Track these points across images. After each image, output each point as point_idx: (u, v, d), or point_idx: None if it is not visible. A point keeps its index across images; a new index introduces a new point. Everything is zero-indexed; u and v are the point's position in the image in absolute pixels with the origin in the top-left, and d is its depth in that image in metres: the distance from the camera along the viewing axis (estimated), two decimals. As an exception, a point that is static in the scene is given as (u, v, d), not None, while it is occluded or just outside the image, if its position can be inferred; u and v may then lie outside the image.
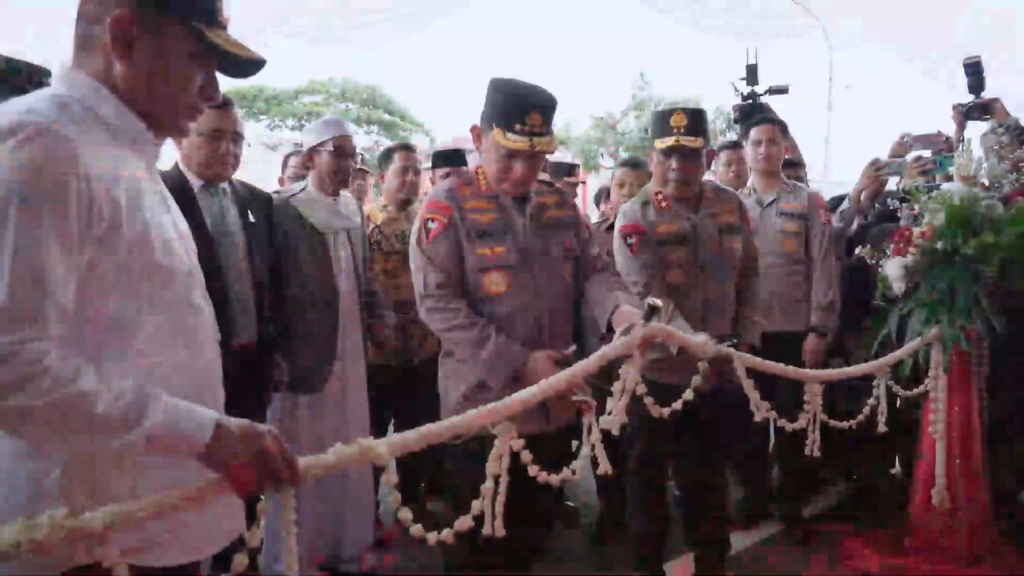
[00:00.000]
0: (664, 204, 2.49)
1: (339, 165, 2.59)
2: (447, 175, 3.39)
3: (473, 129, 1.98)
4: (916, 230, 2.72)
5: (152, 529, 1.03)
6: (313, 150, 2.62)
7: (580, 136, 20.32)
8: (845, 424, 2.30)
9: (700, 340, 1.95)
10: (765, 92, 3.95)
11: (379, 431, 3.05)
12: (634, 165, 3.30)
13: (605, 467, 1.69)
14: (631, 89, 20.32)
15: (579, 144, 19.79)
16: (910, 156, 3.41)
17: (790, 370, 2.17)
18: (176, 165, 2.27)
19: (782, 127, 3.30)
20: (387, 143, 27.21)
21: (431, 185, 3.39)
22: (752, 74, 3.95)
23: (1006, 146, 2.82)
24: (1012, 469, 3.05)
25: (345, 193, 2.76)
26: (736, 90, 3.99)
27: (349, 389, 2.65)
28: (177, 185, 2.15)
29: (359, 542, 2.76)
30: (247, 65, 1.16)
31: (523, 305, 1.93)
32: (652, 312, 1.73)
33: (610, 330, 1.88)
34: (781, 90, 3.97)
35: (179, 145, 2.23)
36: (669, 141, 2.40)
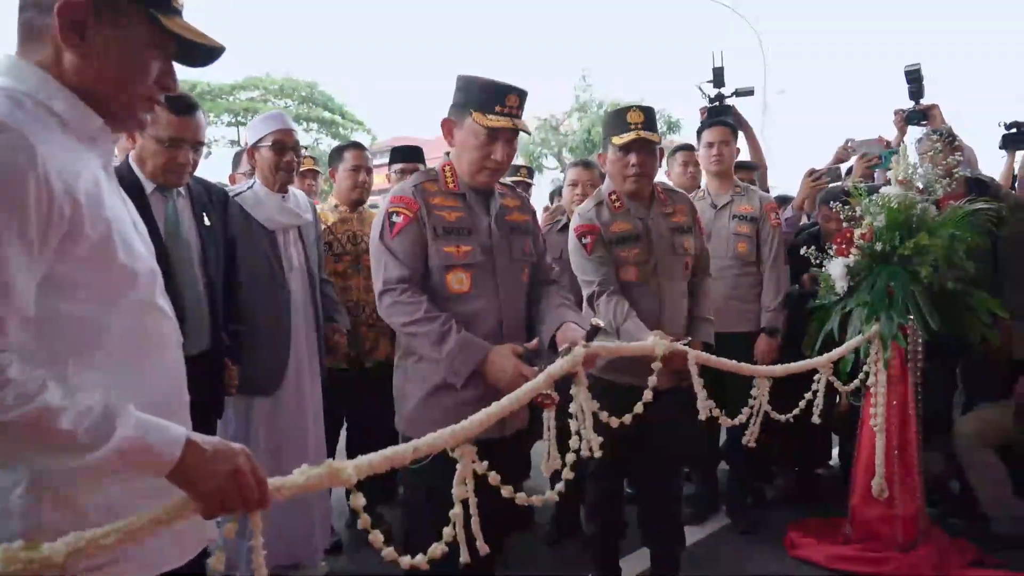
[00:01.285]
0: (618, 204, 2.53)
1: (281, 160, 2.52)
2: (403, 171, 3.36)
3: (444, 123, 1.95)
4: (857, 231, 2.85)
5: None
6: (254, 146, 2.55)
7: (523, 137, 20.43)
8: (783, 417, 2.37)
9: (648, 343, 2.01)
10: (732, 94, 4.02)
11: (331, 435, 3.00)
12: (586, 165, 3.34)
13: (555, 464, 1.72)
14: (574, 91, 20.57)
15: (523, 146, 19.89)
16: (856, 155, 3.58)
17: (743, 367, 2.24)
18: (127, 162, 2.14)
19: (734, 129, 3.39)
20: (328, 141, 26.79)
21: (388, 182, 3.34)
22: (719, 77, 4.00)
23: (939, 152, 2.97)
24: (943, 458, 3.22)
25: (295, 189, 2.69)
26: (703, 93, 4.04)
27: (305, 391, 2.60)
28: (129, 184, 2.04)
29: (317, 547, 2.72)
30: (206, 53, 1.11)
31: (486, 305, 1.92)
32: (595, 332, 1.76)
33: (553, 347, 1.90)
34: (747, 92, 4.02)
35: (132, 144, 2.11)
36: (629, 136, 2.42)
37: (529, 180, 3.67)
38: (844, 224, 2.88)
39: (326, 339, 2.73)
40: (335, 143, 24.45)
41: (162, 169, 2.09)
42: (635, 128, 2.42)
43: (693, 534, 3.13)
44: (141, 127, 1.16)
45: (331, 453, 2.89)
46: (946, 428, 3.21)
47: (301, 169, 3.87)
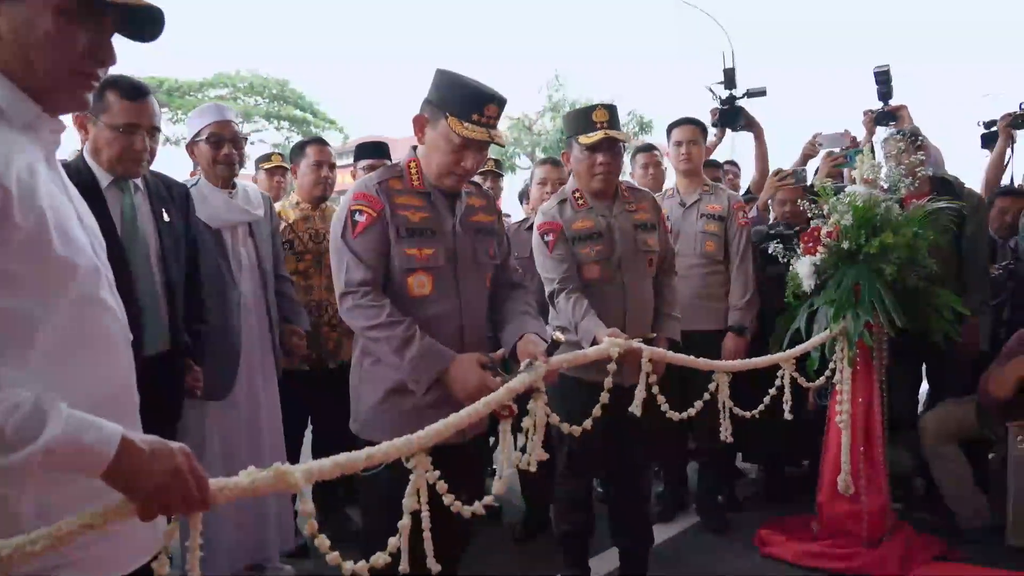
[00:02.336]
0: (581, 202, 2.52)
1: (219, 154, 2.43)
2: (370, 168, 3.29)
3: (417, 119, 1.87)
4: (824, 229, 2.86)
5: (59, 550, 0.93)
6: (192, 142, 2.46)
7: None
8: (748, 413, 2.37)
9: (604, 345, 2.01)
10: (743, 95, 3.95)
11: (295, 439, 2.94)
12: (554, 163, 3.31)
13: (514, 463, 1.73)
14: (546, 91, 20.63)
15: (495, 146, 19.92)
16: (821, 153, 3.60)
17: (699, 362, 2.24)
18: (80, 156, 2.05)
19: (703, 128, 3.39)
20: (298, 139, 26.44)
21: (352, 179, 3.28)
22: (730, 78, 3.93)
23: (903, 152, 3.01)
24: (908, 455, 3.26)
25: (246, 184, 2.60)
26: (714, 94, 3.97)
27: (259, 396, 2.52)
28: (82, 179, 1.94)
29: (272, 549, 2.66)
30: (142, 20, 1.05)
31: (447, 309, 1.87)
32: (555, 347, 1.76)
33: (514, 356, 1.87)
34: (759, 92, 3.95)
35: (85, 136, 2.02)
36: (596, 135, 2.41)
37: (498, 171, 3.61)
38: (811, 222, 2.90)
39: (283, 342, 2.66)
40: (306, 141, 24.28)
41: (118, 157, 2.00)
42: (601, 127, 2.41)
43: (662, 532, 3.12)
44: (82, 106, 1.10)
45: (293, 456, 2.82)
46: (911, 424, 3.25)
47: (269, 166, 3.80)
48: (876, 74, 3.75)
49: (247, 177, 3.39)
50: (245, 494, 1.09)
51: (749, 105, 3.95)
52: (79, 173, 1.98)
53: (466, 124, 1.76)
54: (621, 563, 2.67)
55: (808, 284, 2.84)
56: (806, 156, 3.76)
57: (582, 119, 2.48)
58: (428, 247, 1.84)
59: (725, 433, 2.28)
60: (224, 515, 2.41)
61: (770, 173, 3.64)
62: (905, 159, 2.94)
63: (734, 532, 3.18)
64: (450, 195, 1.93)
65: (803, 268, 2.83)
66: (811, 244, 2.83)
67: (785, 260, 2.95)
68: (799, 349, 2.63)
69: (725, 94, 3.95)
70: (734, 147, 4.25)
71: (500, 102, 1.80)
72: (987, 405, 2.92)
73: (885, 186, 2.94)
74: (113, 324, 1.11)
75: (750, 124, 3.95)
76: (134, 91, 1.97)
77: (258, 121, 23.76)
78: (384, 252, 1.82)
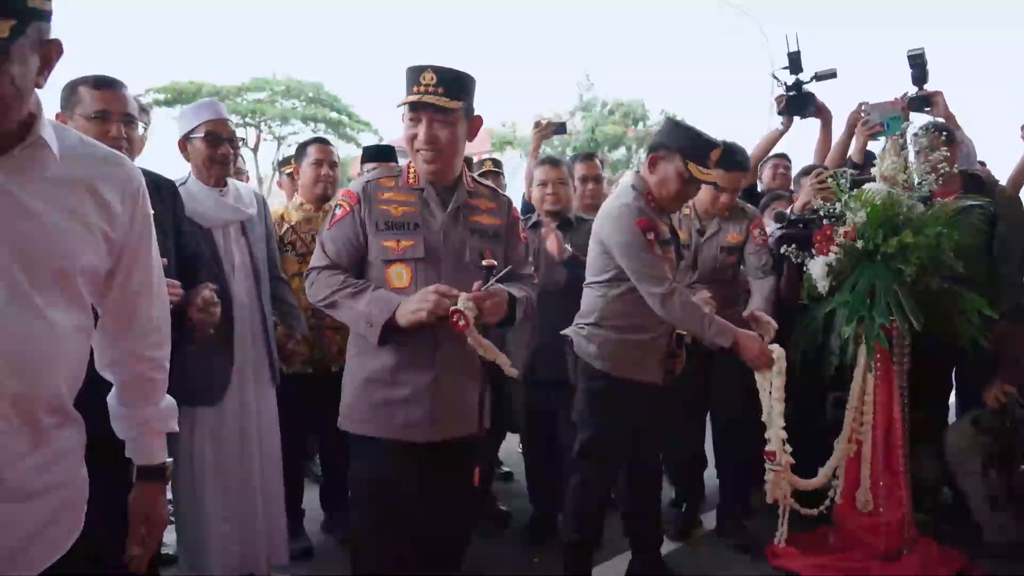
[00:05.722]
0: (653, 205, 2.47)
1: (215, 153, 2.37)
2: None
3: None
4: (840, 229, 2.74)
5: None
6: (185, 138, 2.40)
7: (526, 136, 20.37)
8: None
9: (776, 356, 2.46)
10: (811, 79, 3.65)
11: (296, 444, 2.92)
12: (553, 163, 3.16)
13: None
14: (577, 90, 20.50)
15: (526, 144, 19.85)
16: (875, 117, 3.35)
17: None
18: None
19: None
20: (335, 141, 26.80)
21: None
22: (795, 62, 3.62)
23: (925, 147, 2.86)
24: (934, 465, 3.11)
25: (236, 182, 2.55)
26: (778, 80, 3.71)
27: (254, 402, 2.46)
28: None
29: (272, 558, 2.60)
30: None
31: None
32: (488, 271, 1.82)
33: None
34: (829, 75, 3.64)
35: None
36: (713, 174, 2.47)
37: (497, 169, 3.55)
38: (825, 221, 2.77)
39: (280, 346, 2.61)
40: (342, 143, 24.59)
41: None
42: (716, 166, 2.49)
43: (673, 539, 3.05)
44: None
45: (293, 462, 2.79)
46: (939, 433, 3.11)
47: (289, 170, 3.80)
48: (910, 58, 3.51)
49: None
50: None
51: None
52: None
53: (408, 97, 1.85)
54: (631, 566, 2.67)
55: (822, 285, 2.73)
56: (852, 126, 3.53)
57: (702, 150, 2.38)
58: (408, 239, 1.88)
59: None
60: (212, 527, 2.38)
61: (811, 176, 3.25)
62: (928, 154, 2.79)
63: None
64: (447, 191, 1.94)
65: (816, 269, 2.72)
66: (824, 243, 2.71)
67: (799, 261, 2.82)
68: None
69: (791, 79, 3.67)
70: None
71: (438, 69, 1.83)
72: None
73: (918, 180, 2.78)
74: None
75: (819, 110, 3.67)
76: (103, 82, 1.99)
77: (295, 124, 24.16)
78: (355, 243, 1.92)
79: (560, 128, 3.83)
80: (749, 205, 3.20)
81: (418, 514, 1.92)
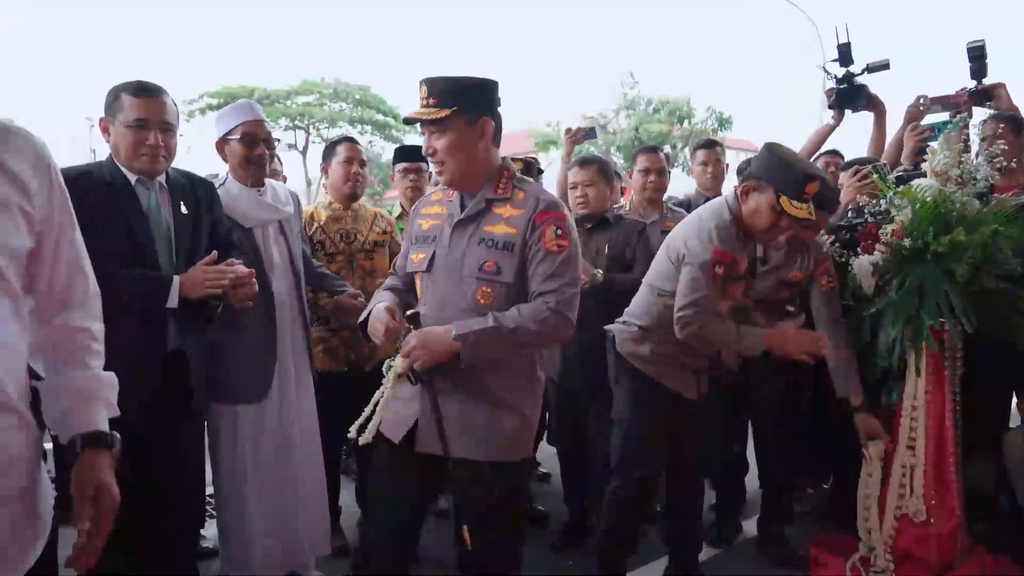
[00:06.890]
0: (739, 235, 2.37)
1: (252, 154, 2.40)
2: (406, 171, 3.30)
3: None
4: (888, 227, 2.63)
5: None
6: (223, 139, 2.43)
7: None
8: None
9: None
10: (863, 71, 3.48)
11: (336, 443, 2.94)
12: (582, 164, 3.04)
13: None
14: (622, 88, 20.30)
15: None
16: (925, 121, 3.21)
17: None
18: (110, 158, 2.12)
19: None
20: (381, 143, 27.21)
21: (407, 183, 3.29)
22: (845, 54, 3.47)
23: (991, 137, 2.73)
24: (991, 473, 2.96)
25: (273, 182, 2.58)
26: (828, 73, 3.57)
27: (295, 398, 2.49)
28: (114, 178, 2.05)
29: (315, 551, 2.66)
30: None
31: (427, 314, 1.85)
32: (414, 319, 1.80)
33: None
34: (882, 66, 3.45)
35: (108, 139, 2.09)
36: (804, 210, 2.28)
37: (526, 170, 3.51)
38: (870, 219, 2.66)
39: (341, 305, 2.67)
40: (388, 145, 24.89)
41: (133, 153, 2.05)
42: (808, 200, 2.29)
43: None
44: None
45: (332, 462, 2.82)
46: (997, 438, 2.96)
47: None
48: (969, 50, 3.34)
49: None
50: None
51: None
52: (111, 173, 2.07)
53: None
54: (669, 567, 2.66)
55: (867, 285, 2.62)
56: (911, 118, 3.38)
57: (798, 183, 2.26)
58: (422, 252, 1.90)
59: None
60: (254, 524, 2.43)
61: (849, 174, 3.07)
62: (983, 149, 2.66)
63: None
64: (470, 200, 1.86)
65: (861, 268, 2.61)
66: (869, 242, 2.60)
67: (843, 260, 2.71)
68: None
69: (841, 72, 3.50)
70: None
71: (429, 81, 1.80)
72: None
73: (979, 176, 2.63)
74: None
75: (872, 103, 3.50)
76: (143, 89, 2.04)
77: (343, 126, 24.63)
78: (403, 256, 2.05)
79: (590, 133, 3.77)
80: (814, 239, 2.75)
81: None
